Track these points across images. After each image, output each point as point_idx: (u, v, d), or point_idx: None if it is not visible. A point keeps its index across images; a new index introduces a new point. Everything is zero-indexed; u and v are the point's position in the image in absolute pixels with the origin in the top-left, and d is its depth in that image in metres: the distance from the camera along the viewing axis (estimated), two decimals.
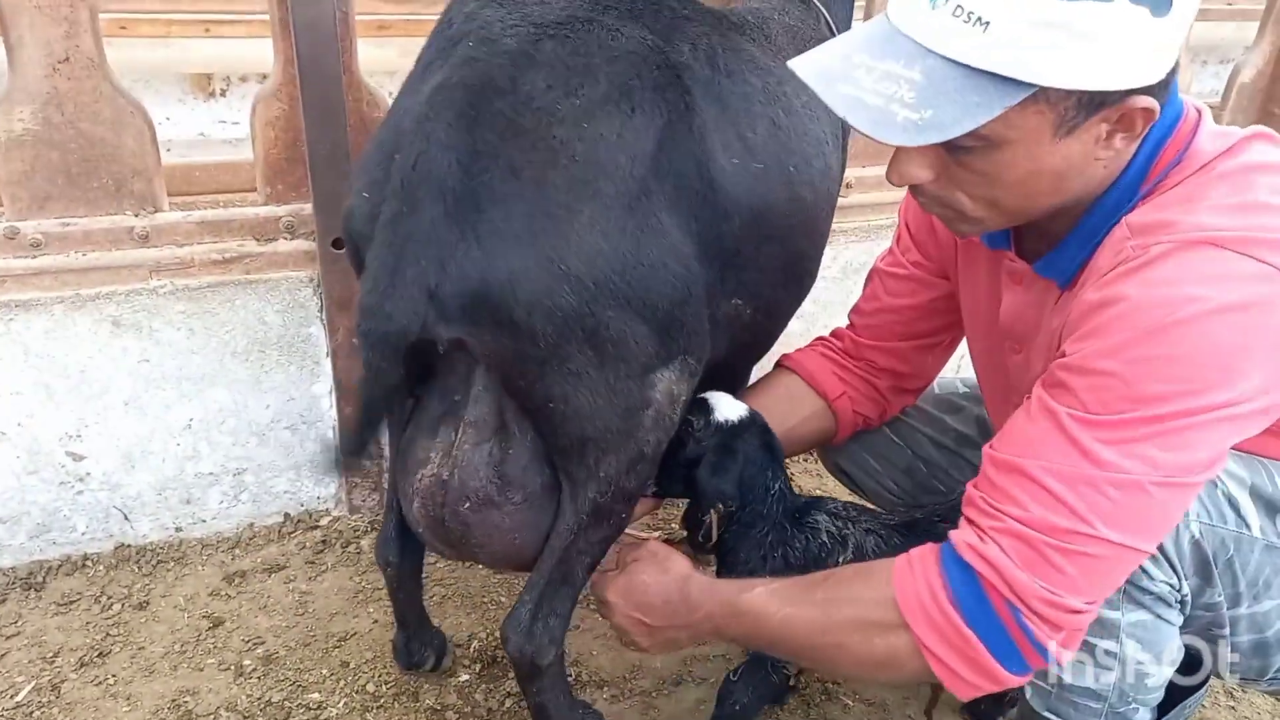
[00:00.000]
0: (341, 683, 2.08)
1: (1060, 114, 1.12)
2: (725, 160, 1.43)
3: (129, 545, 2.43)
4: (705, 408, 1.67)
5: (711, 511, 1.58)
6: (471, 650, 2.17)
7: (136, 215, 2.20)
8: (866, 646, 1.27)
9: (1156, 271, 1.14)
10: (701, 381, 1.64)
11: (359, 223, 1.38)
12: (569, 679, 2.01)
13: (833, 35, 1.94)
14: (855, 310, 1.90)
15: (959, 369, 2.28)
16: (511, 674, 2.12)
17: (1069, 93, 1.10)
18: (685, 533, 1.73)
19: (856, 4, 2.29)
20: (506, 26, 1.34)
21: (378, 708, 2.02)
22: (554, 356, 1.31)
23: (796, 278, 1.71)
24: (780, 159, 1.55)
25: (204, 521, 2.47)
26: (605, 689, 2.09)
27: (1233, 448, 1.17)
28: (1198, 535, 1.27)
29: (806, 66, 1.19)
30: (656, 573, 1.53)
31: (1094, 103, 1.12)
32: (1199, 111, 1.28)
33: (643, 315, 1.33)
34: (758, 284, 1.56)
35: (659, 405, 1.43)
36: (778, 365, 1.93)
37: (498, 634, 2.19)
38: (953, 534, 1.25)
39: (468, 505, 1.48)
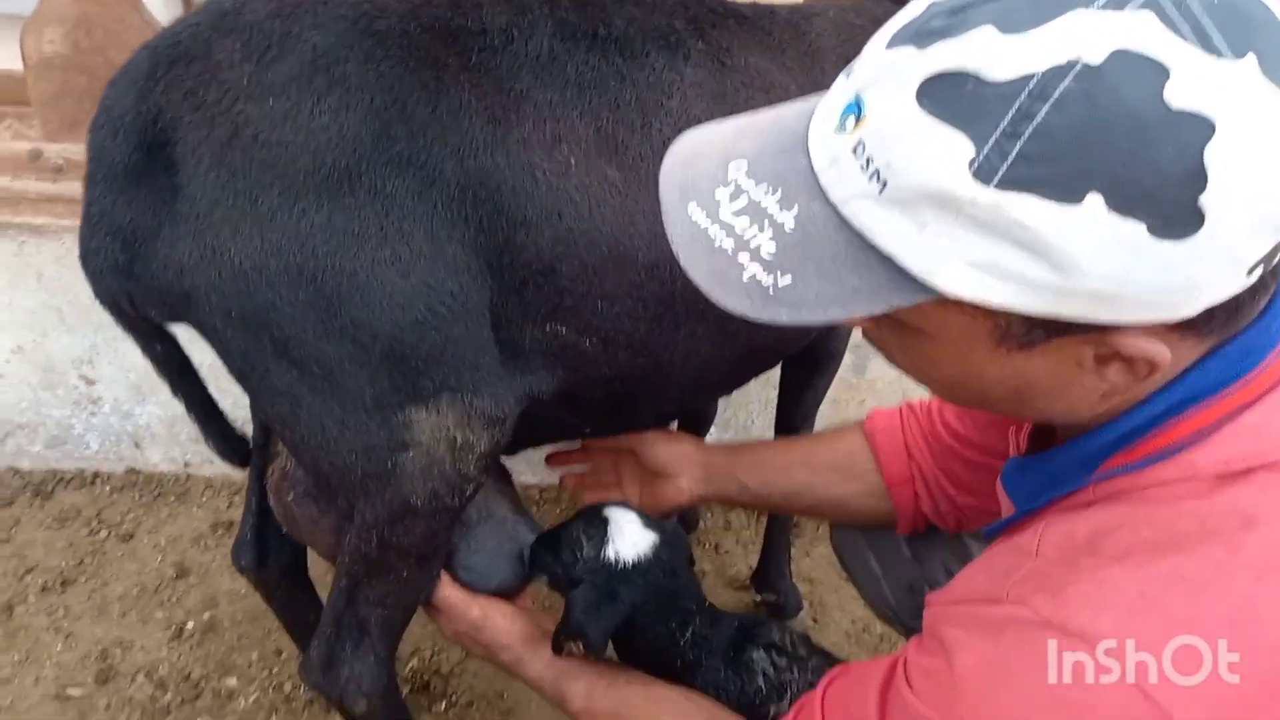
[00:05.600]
0: (265, 673, 1.99)
1: (1000, 326, 0.75)
2: (523, 155, 1.11)
3: (139, 471, 2.44)
4: (599, 529, 1.36)
5: (569, 645, 1.31)
6: (407, 670, 2.02)
7: None
8: None
9: (1004, 649, 0.80)
10: (605, 425, 1.42)
11: None
12: None
13: None
14: None
15: None
16: (440, 704, 1.97)
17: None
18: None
19: None
20: None
21: (286, 710, 1.92)
22: (253, 370, 1.12)
23: (674, 314, 1.28)
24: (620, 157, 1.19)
25: (211, 462, 2.43)
26: None
27: None
28: None
29: (674, 161, 0.85)
30: (498, 618, 1.38)
31: (1055, 325, 0.73)
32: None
33: (350, 336, 1.08)
34: (594, 312, 1.21)
35: (427, 452, 1.17)
36: (862, 422, 1.56)
37: (441, 656, 2.06)
38: None
39: (291, 497, 1.41)
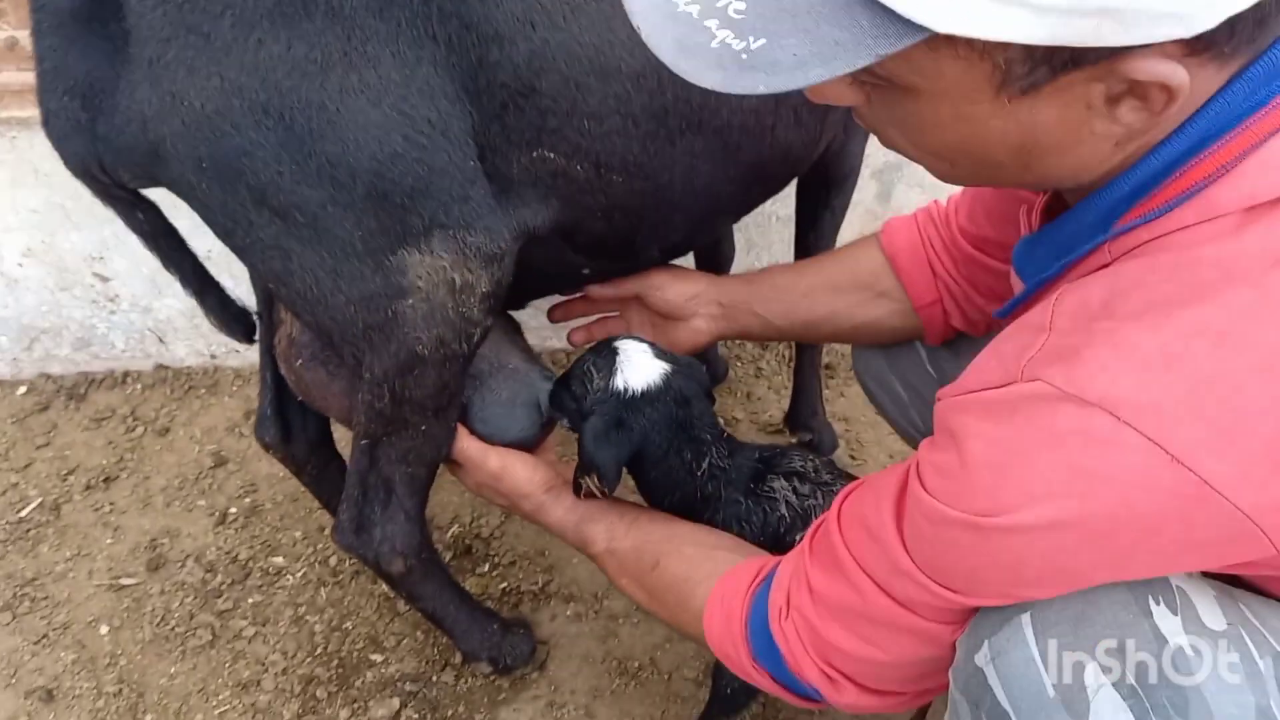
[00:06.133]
0: (310, 550, 2.02)
1: (999, 67, 0.68)
2: None
3: (167, 366, 2.44)
4: (609, 360, 1.33)
5: (585, 481, 1.29)
6: (448, 536, 2.04)
7: None
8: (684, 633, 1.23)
9: (1015, 427, 0.75)
10: (610, 263, 1.39)
11: None
12: (510, 588, 1.88)
13: None
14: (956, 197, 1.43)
15: None
16: (484, 566, 1.99)
17: (1003, 42, 0.64)
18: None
19: None
20: None
21: (334, 583, 1.95)
22: (236, 225, 1.09)
23: (668, 128, 1.20)
24: None
25: (238, 351, 2.43)
26: (571, 604, 1.91)
27: None
28: None
29: None
30: (518, 467, 1.37)
31: (1059, 58, 0.66)
32: None
33: (328, 175, 1.03)
34: (581, 132, 1.14)
35: (427, 296, 1.13)
36: (877, 234, 1.49)
37: (481, 521, 2.07)
38: (774, 581, 1.06)
39: (299, 362, 1.40)
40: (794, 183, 1.66)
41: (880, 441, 2.24)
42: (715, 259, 2.09)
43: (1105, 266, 0.78)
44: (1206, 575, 0.83)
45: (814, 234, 1.80)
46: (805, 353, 2.06)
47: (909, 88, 0.73)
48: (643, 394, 1.30)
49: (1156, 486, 0.69)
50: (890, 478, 0.92)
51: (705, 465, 1.34)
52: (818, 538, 1.02)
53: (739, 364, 2.48)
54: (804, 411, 2.12)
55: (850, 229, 1.91)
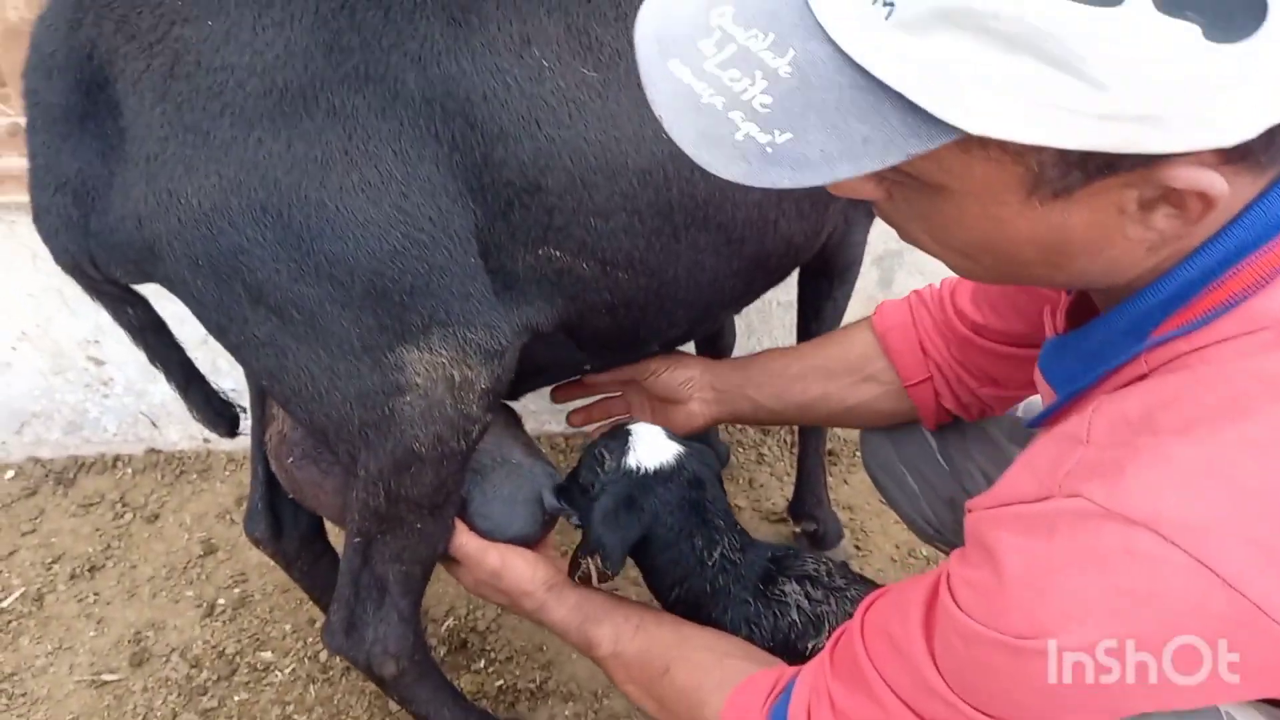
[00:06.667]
0: (300, 644, 1.95)
1: (1032, 170, 0.65)
2: (490, 60, 1.02)
3: (159, 450, 2.40)
4: (621, 441, 1.31)
5: (587, 561, 1.25)
6: (443, 630, 1.98)
7: None
8: None
9: (1055, 545, 0.72)
10: (613, 357, 1.38)
11: None
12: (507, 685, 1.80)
13: None
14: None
15: None
16: (479, 661, 1.93)
17: (1037, 146, 0.62)
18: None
19: None
20: None
21: (324, 680, 1.88)
22: (230, 322, 1.07)
23: (673, 224, 1.19)
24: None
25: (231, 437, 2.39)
26: (570, 703, 1.84)
27: None
28: None
29: (649, 13, 0.74)
30: (519, 564, 1.32)
31: (1095, 163, 0.64)
32: None
33: (326, 274, 1.01)
34: (587, 230, 1.13)
35: (425, 393, 1.10)
36: (869, 317, 1.48)
37: (477, 614, 2.01)
38: (794, 694, 0.99)
39: (290, 460, 1.36)
40: (795, 271, 1.65)
41: (885, 530, 2.19)
42: (716, 346, 2.08)
43: (1143, 378, 0.75)
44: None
45: (816, 324, 1.79)
46: (809, 439, 2.03)
47: (936, 186, 0.71)
48: (655, 473, 1.28)
49: (1205, 610, 0.65)
50: (917, 589, 0.88)
51: (716, 555, 1.30)
52: (839, 649, 0.97)
53: (740, 449, 2.44)
54: (808, 500, 2.07)
55: (851, 316, 1.89)
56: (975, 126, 0.59)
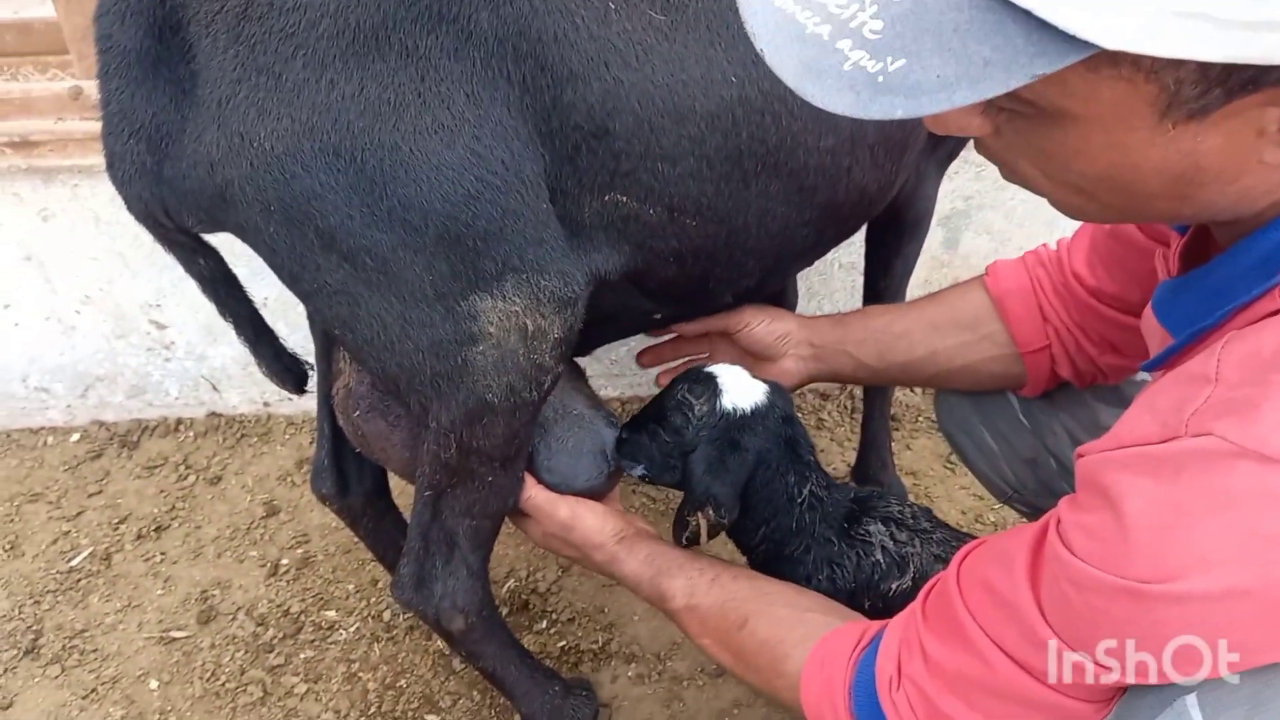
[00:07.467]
0: (363, 603, 1.97)
1: (1167, 89, 0.61)
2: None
3: (220, 414, 2.42)
4: (710, 386, 1.28)
5: (698, 515, 1.23)
6: (504, 591, 1.97)
7: None
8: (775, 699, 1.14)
9: (1183, 485, 0.68)
10: (681, 308, 1.36)
11: None
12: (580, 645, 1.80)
13: None
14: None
15: None
16: (541, 622, 1.93)
17: (1176, 60, 0.58)
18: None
19: None
20: None
21: (388, 639, 1.90)
22: (303, 269, 1.06)
23: (743, 170, 1.16)
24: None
25: (291, 399, 2.40)
26: (633, 664, 1.83)
27: None
28: None
29: None
30: (589, 517, 1.31)
31: (1238, 78, 0.60)
32: None
33: (400, 219, 0.99)
34: (654, 175, 1.10)
35: (499, 343, 1.09)
36: (980, 277, 1.43)
37: (538, 575, 2.01)
38: (882, 647, 0.98)
39: (358, 414, 1.35)
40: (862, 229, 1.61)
41: (950, 496, 2.15)
42: (779, 304, 2.03)
43: (1275, 314, 0.71)
44: None
45: (885, 281, 1.74)
46: (875, 402, 1.99)
47: (1056, 113, 0.66)
48: (751, 413, 1.25)
49: None
50: (1019, 539, 0.84)
51: (806, 492, 1.28)
52: (932, 601, 0.95)
53: (799, 415, 2.41)
54: (873, 464, 2.04)
55: (916, 276, 1.85)
56: (1111, 41, 0.55)
